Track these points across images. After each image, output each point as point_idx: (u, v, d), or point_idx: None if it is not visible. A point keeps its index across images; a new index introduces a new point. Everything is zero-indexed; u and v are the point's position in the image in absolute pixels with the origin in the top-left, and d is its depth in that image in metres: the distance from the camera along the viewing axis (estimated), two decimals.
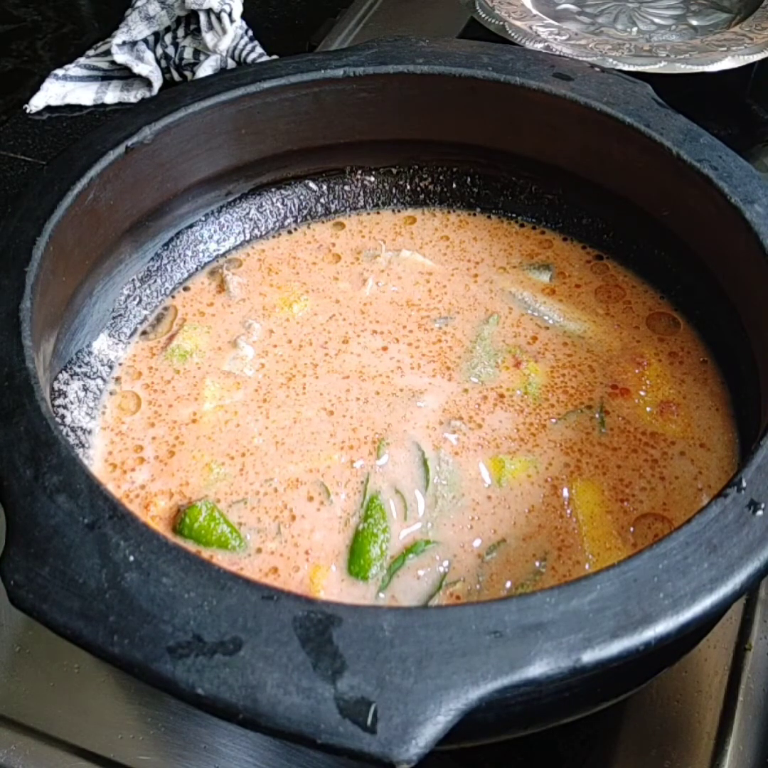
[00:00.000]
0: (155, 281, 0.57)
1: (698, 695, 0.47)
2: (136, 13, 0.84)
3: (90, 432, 0.50)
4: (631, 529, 0.46)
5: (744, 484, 0.37)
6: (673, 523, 0.46)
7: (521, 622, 0.32)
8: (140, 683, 0.32)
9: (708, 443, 0.49)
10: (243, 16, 0.84)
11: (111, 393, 0.52)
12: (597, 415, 0.50)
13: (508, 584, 0.44)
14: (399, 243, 0.60)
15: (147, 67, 0.84)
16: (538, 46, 0.76)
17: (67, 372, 0.50)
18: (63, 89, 0.85)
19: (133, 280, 0.56)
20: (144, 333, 0.55)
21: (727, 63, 0.74)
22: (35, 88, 0.85)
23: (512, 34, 0.78)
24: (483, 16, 0.81)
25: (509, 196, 0.61)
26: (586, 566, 0.44)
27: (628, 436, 0.49)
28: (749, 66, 0.75)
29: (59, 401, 0.49)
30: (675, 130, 0.52)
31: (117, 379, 0.53)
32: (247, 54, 0.85)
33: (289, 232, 0.61)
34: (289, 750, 0.45)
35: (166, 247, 0.57)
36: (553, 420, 0.50)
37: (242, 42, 0.85)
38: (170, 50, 0.85)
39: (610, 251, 0.59)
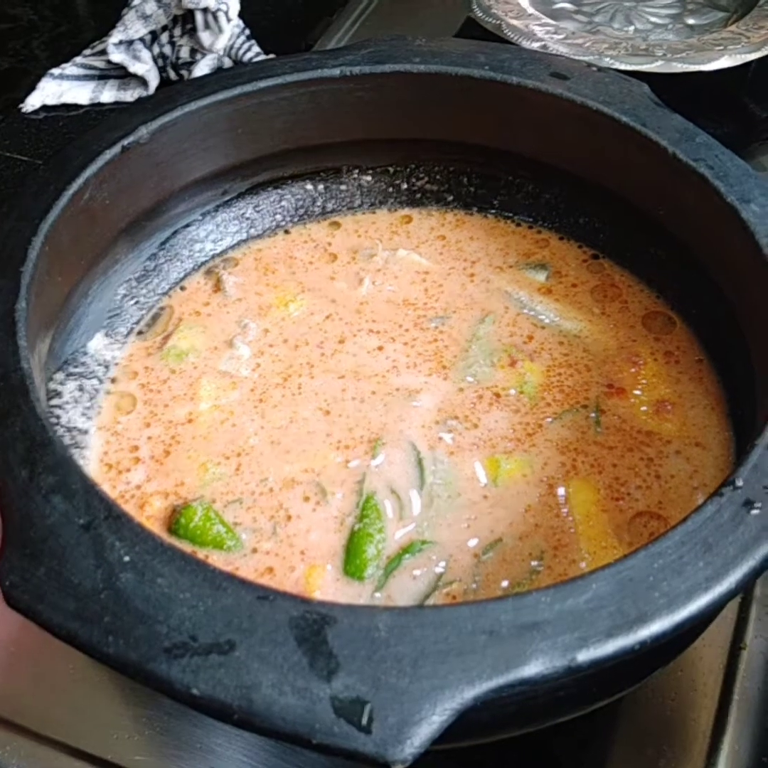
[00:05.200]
0: (151, 281, 0.57)
1: (693, 694, 0.47)
2: (133, 12, 0.84)
3: (85, 432, 0.49)
4: (627, 527, 0.46)
5: (739, 483, 0.37)
6: (669, 521, 0.46)
7: (517, 621, 0.32)
8: (135, 684, 0.32)
9: (703, 442, 0.49)
10: (239, 16, 0.84)
11: (107, 393, 0.52)
12: (593, 415, 0.50)
13: (505, 583, 0.44)
14: (395, 242, 0.60)
15: (143, 66, 0.84)
16: (535, 45, 0.76)
17: (62, 372, 0.50)
18: (59, 88, 0.85)
19: (129, 279, 0.55)
20: (140, 333, 0.55)
21: (724, 62, 0.75)
22: (31, 88, 0.85)
23: (509, 33, 0.78)
24: (480, 15, 0.81)
25: (506, 195, 0.61)
26: (582, 565, 0.44)
27: (624, 435, 0.49)
28: (746, 65, 0.75)
29: (55, 401, 0.49)
30: (671, 129, 0.52)
31: (113, 379, 0.53)
32: (244, 53, 0.85)
33: (286, 231, 0.61)
34: (285, 750, 0.45)
35: (162, 247, 0.57)
36: (549, 419, 0.50)
37: (239, 41, 0.85)
38: (167, 49, 0.85)
39: (607, 250, 0.59)
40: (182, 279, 0.58)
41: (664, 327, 0.55)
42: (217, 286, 0.58)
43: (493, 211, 0.61)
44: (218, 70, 0.83)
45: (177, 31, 0.85)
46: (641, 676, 0.42)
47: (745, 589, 0.47)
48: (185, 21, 0.84)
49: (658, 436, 0.49)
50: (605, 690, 0.40)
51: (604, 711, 0.42)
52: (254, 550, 0.45)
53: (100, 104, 0.85)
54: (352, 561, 0.44)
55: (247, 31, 0.87)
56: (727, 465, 0.48)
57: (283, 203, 0.61)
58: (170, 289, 0.57)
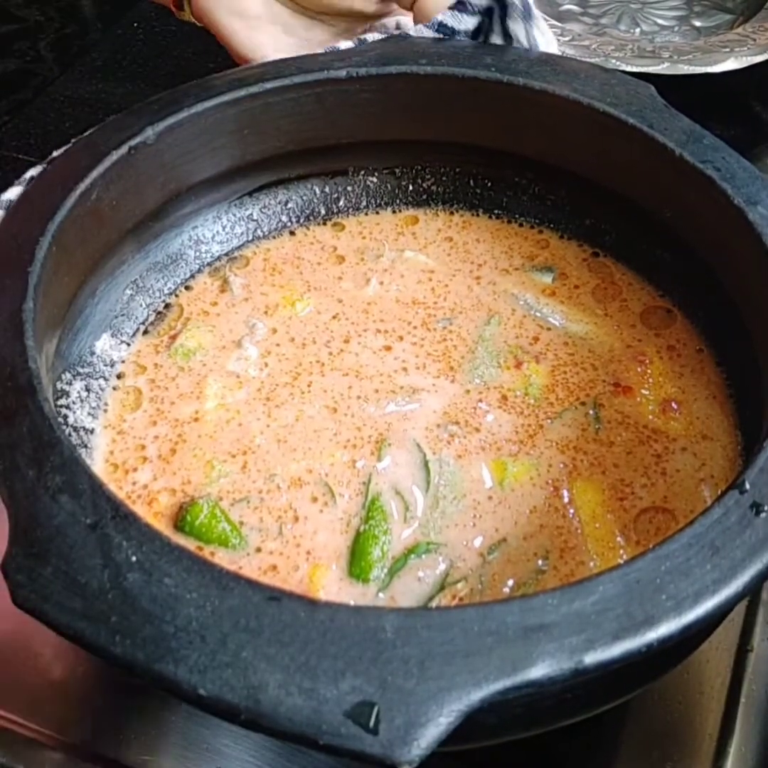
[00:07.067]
0: (158, 281, 0.57)
1: (700, 697, 0.47)
2: None
3: (92, 432, 0.50)
4: (633, 525, 0.46)
5: (747, 486, 0.37)
6: (675, 513, 0.46)
7: (523, 623, 0.32)
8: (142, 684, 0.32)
9: (709, 433, 0.49)
10: None
11: (113, 389, 0.52)
12: (591, 411, 0.50)
13: (511, 583, 0.44)
14: (401, 243, 0.60)
15: None
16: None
17: (69, 372, 0.50)
18: None
19: (136, 280, 0.56)
20: (146, 332, 0.55)
21: (731, 64, 0.75)
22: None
23: None
24: None
25: (512, 196, 0.61)
26: (591, 565, 0.44)
27: (630, 434, 0.49)
28: (753, 67, 0.75)
29: (62, 401, 0.49)
30: (678, 131, 0.51)
31: (119, 375, 0.53)
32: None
33: (292, 232, 0.61)
34: (291, 751, 0.45)
35: (168, 247, 0.57)
36: (554, 421, 0.50)
37: None
38: None
39: (609, 250, 0.59)
40: (188, 279, 0.58)
41: (663, 321, 0.55)
42: (224, 287, 0.58)
43: (499, 212, 0.61)
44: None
45: None
46: (648, 679, 0.42)
47: (752, 592, 0.47)
48: None
49: (665, 434, 0.49)
50: (612, 693, 0.40)
51: (610, 714, 0.42)
52: (258, 549, 0.45)
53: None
54: (357, 563, 0.44)
55: None
56: (735, 454, 0.48)
57: (290, 204, 0.61)
58: (176, 289, 0.57)
